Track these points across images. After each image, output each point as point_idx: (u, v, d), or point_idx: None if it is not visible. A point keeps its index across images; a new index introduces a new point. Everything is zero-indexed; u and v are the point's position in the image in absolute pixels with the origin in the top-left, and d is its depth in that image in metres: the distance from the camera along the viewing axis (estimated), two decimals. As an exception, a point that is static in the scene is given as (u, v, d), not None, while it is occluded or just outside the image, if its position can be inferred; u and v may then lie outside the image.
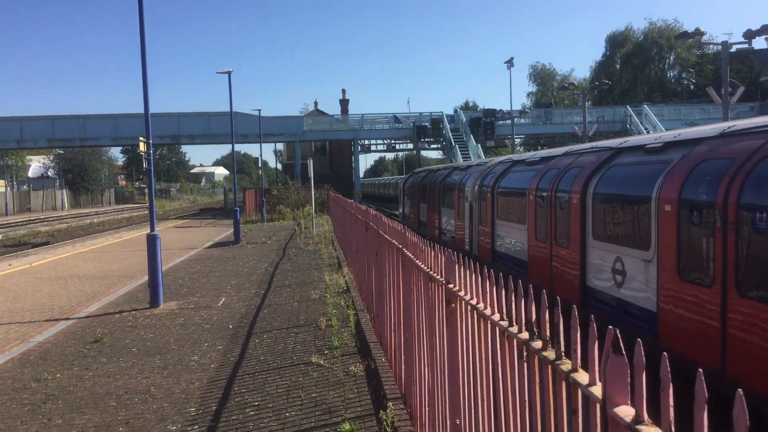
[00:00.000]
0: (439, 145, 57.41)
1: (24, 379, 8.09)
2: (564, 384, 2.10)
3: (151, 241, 12.70)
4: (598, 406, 1.82)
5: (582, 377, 1.98)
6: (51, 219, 52.28)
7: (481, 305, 3.22)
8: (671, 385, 1.44)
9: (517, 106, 71.26)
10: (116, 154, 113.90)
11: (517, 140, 57.82)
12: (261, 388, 7.39)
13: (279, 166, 73.52)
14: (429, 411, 4.92)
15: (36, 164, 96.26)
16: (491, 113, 53.03)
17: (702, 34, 23.34)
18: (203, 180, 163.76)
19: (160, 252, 12.88)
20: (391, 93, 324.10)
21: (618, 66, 79.34)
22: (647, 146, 7.96)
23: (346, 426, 5.98)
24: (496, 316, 2.97)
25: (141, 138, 12.80)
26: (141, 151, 12.88)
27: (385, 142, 59.33)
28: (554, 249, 10.01)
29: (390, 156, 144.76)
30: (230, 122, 29.62)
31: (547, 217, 10.32)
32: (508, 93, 77.08)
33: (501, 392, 2.91)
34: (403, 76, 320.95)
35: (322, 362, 8.19)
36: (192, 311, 12.03)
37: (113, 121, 52.06)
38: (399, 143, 60.71)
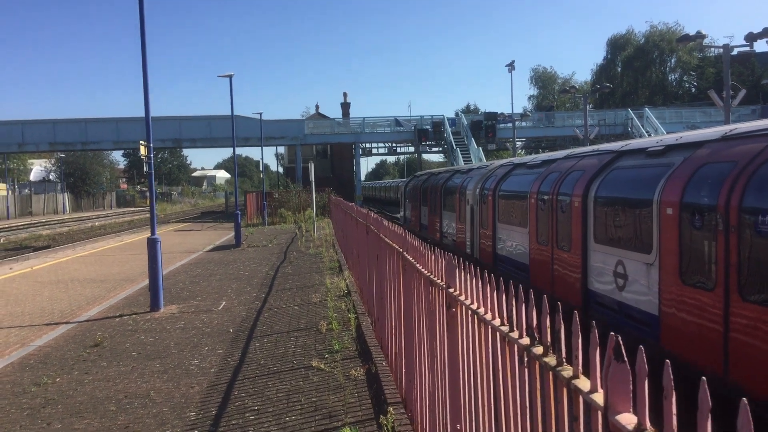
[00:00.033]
0: (441, 149, 57.39)
1: (23, 383, 8.06)
2: (565, 390, 2.08)
3: (152, 244, 12.68)
4: (599, 413, 1.79)
5: (583, 384, 1.95)
6: (52, 222, 52.32)
7: (481, 310, 3.19)
8: (674, 393, 1.41)
9: (518, 109, 71.18)
10: (118, 157, 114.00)
11: (519, 143, 57.83)
12: (261, 392, 7.36)
13: (280, 170, 73.54)
14: (430, 415, 4.89)
15: (38, 168, 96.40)
16: (492, 116, 53.05)
17: (703, 37, 23.34)
18: (205, 183, 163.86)
19: (161, 255, 12.86)
20: (392, 96, 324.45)
21: (619, 69, 79.37)
22: (649, 149, 7.93)
23: (347, 431, 5.95)
24: (497, 321, 2.94)
25: (142, 141, 12.78)
26: (142, 155, 12.86)
27: (387, 145, 59.35)
28: (556, 252, 9.98)
29: (391, 159, 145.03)
30: (231, 126, 29.62)
31: (549, 221, 10.29)
32: (510, 96, 77.07)
33: (502, 397, 2.89)
34: (405, 79, 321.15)
35: (322, 366, 8.16)
36: (192, 315, 12.00)
37: (115, 124, 52.13)
38: (400, 146, 60.74)
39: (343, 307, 11.81)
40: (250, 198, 46.00)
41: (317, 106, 66.72)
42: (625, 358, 1.64)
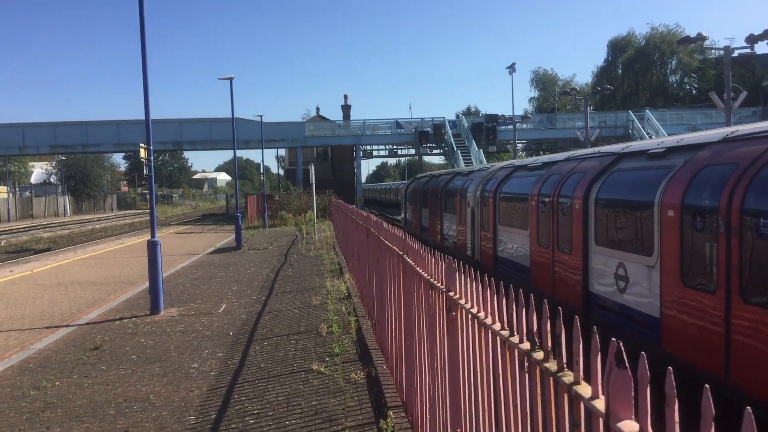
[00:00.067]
0: (441, 151, 57.40)
1: (23, 386, 8.04)
2: (566, 396, 2.05)
3: (152, 247, 12.66)
4: (601, 420, 1.76)
5: (584, 390, 1.92)
6: (53, 225, 52.32)
7: (481, 314, 3.17)
8: (677, 401, 1.39)
9: (519, 112, 71.21)
10: (118, 160, 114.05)
11: (519, 145, 57.82)
12: (261, 396, 7.33)
13: (281, 172, 73.56)
14: (430, 419, 4.86)
15: (38, 170, 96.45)
16: (493, 118, 53.06)
17: (704, 38, 23.33)
18: (205, 186, 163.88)
19: (161, 258, 12.85)
20: (393, 98, 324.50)
21: (620, 71, 79.41)
22: (650, 151, 7.91)
23: (347, 434, 5.92)
24: (497, 326, 2.91)
25: (142, 144, 12.77)
26: (142, 158, 12.85)
27: (387, 147, 59.38)
28: (557, 254, 9.95)
29: (392, 161, 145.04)
30: (232, 128, 29.63)
31: (550, 223, 10.27)
32: (510, 98, 77.16)
33: (502, 402, 2.86)
34: (405, 81, 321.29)
35: (322, 369, 8.14)
36: (192, 318, 11.98)
37: (115, 127, 52.18)
38: (401, 149, 60.77)
39: (344, 309, 11.79)
40: (251, 200, 45.98)
41: (318, 109, 66.96)
42: (627, 365, 1.62)
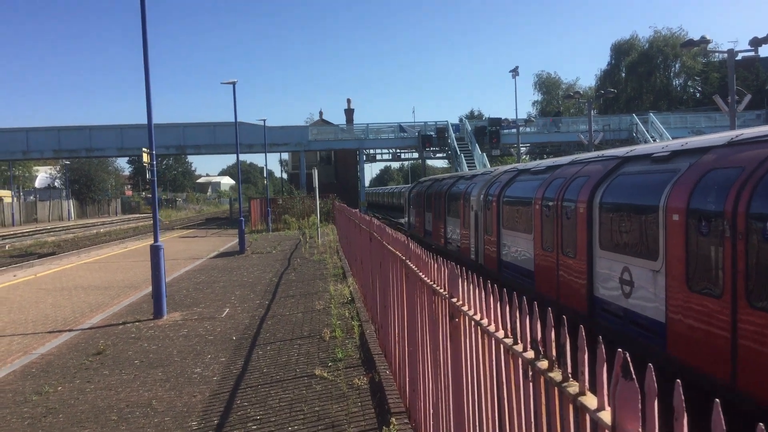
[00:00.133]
0: (445, 154, 57.36)
1: (25, 391, 8.02)
2: (571, 407, 2.01)
3: (155, 251, 12.65)
4: (607, 432, 1.72)
5: (590, 401, 1.88)
6: (57, 229, 52.41)
7: (485, 321, 3.13)
8: (685, 415, 1.35)
9: (522, 115, 71.25)
10: (122, 164, 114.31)
11: (523, 149, 57.72)
12: (264, 401, 7.29)
13: (284, 176, 73.59)
14: (433, 426, 4.82)
15: (43, 175, 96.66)
16: (496, 122, 53.01)
17: (708, 42, 23.26)
18: (209, 190, 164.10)
19: (164, 262, 12.83)
20: (396, 102, 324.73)
21: (623, 74, 79.30)
22: (654, 155, 7.87)
23: (350, 441, 5.88)
24: (501, 333, 2.87)
25: (144, 149, 12.77)
26: (145, 162, 12.84)
27: (391, 151, 59.31)
28: (561, 258, 9.90)
29: (395, 165, 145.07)
30: (235, 132, 29.65)
31: (554, 227, 10.23)
32: (514, 102, 77.04)
33: (506, 411, 2.82)
34: (408, 85, 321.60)
35: (325, 375, 8.10)
36: (195, 322, 11.95)
37: (119, 131, 52.26)
38: (404, 152, 60.66)
39: (347, 314, 11.75)
40: (255, 204, 45.98)
41: (321, 113, 66.90)
42: (634, 376, 1.58)
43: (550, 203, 10.40)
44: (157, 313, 12.46)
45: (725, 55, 23.60)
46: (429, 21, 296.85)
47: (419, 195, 26.58)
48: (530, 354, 2.47)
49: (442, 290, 4.20)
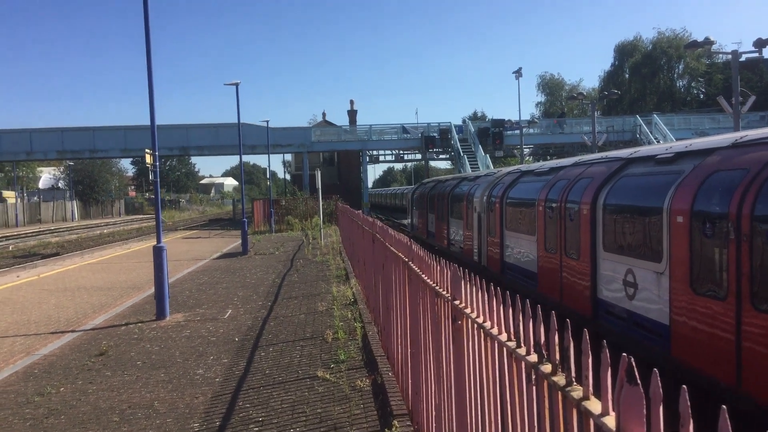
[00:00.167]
0: (448, 156, 57.34)
1: (27, 393, 8.01)
2: (575, 412, 1.99)
3: (158, 252, 12.64)
4: (611, 437, 1.70)
5: (594, 406, 1.86)
6: (61, 230, 52.51)
7: (487, 324, 3.10)
8: (691, 421, 1.33)
9: (525, 116, 71.18)
10: (126, 165, 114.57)
11: (526, 150, 57.66)
12: (266, 403, 7.27)
13: (287, 177, 73.66)
14: (436, 429, 4.80)
15: (46, 176, 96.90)
16: (500, 123, 52.94)
17: (711, 43, 23.20)
18: (213, 191, 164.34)
19: (167, 263, 12.82)
20: (399, 104, 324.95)
21: (627, 76, 79.18)
22: (658, 156, 7.84)
23: (352, 443, 5.85)
24: (504, 336, 2.85)
25: (147, 150, 12.77)
26: (148, 163, 12.84)
27: (394, 152, 59.29)
28: (564, 260, 9.87)
29: (398, 166, 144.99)
30: (238, 133, 29.67)
31: (557, 228, 10.20)
32: (517, 103, 77.00)
33: (509, 415, 2.80)
34: (412, 86, 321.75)
35: (328, 376, 8.07)
36: (198, 323, 11.94)
37: (122, 132, 52.32)
38: (407, 154, 60.66)
39: (350, 315, 11.73)
40: (258, 205, 46.00)
41: (324, 114, 66.80)
42: (639, 381, 1.55)
43: (554, 205, 10.37)
44: (160, 314, 12.45)
45: (729, 56, 23.53)
46: (432, 22, 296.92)
47: (422, 196, 26.56)
48: (533, 357, 2.44)
49: (444, 292, 4.17)
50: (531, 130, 54.57)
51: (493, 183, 15.17)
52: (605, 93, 41.10)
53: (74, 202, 78.13)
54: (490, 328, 3.03)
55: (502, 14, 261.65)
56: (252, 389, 7.81)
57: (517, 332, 2.67)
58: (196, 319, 12.32)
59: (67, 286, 17.53)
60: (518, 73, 49.69)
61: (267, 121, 42.93)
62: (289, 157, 69.80)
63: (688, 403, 1.34)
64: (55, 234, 48.33)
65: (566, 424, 2.09)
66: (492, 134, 52.40)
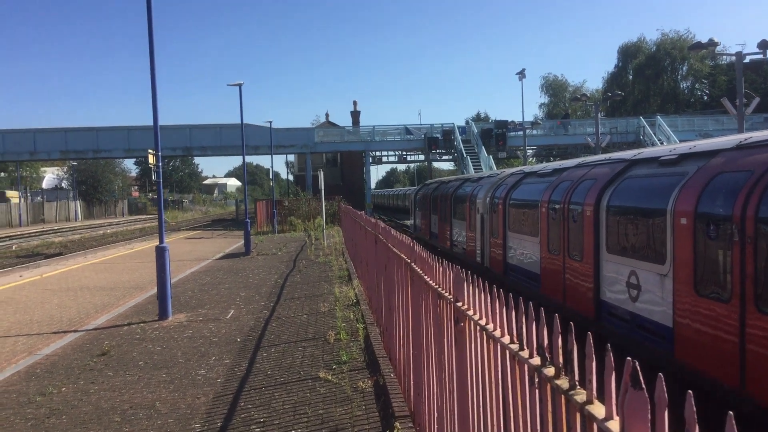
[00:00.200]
0: (451, 157, 57.28)
1: (29, 392, 8.01)
2: (578, 416, 1.96)
3: (160, 253, 12.64)
4: (615, 442, 1.68)
5: (598, 410, 1.83)
6: (64, 230, 52.60)
7: (490, 326, 3.08)
8: (697, 427, 1.30)
9: (529, 117, 71.13)
10: (129, 165, 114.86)
11: (529, 151, 57.63)
12: (267, 403, 7.26)
13: (290, 178, 73.68)
14: (438, 431, 4.77)
15: (50, 175, 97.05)
16: (503, 124, 52.93)
17: (716, 44, 23.14)
18: (216, 191, 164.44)
19: (169, 264, 12.82)
20: (402, 104, 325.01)
21: (631, 77, 79.10)
22: (662, 158, 7.81)
23: (353, 445, 5.83)
24: (506, 339, 2.83)
25: (150, 150, 12.77)
26: (150, 164, 12.85)
27: (397, 153, 59.31)
28: (567, 262, 9.84)
29: (401, 167, 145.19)
30: (241, 134, 29.69)
31: (560, 230, 10.17)
32: (520, 104, 77.03)
33: (512, 418, 2.77)
34: (415, 87, 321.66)
35: (329, 377, 8.06)
36: (200, 324, 11.93)
37: (126, 133, 52.40)
38: (410, 155, 60.67)
39: (352, 316, 11.71)
40: (260, 206, 46.03)
41: (327, 115, 66.94)
42: (643, 386, 1.53)
43: (557, 206, 10.34)
44: (162, 315, 12.45)
45: (733, 57, 23.48)
46: (435, 24, 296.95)
47: (425, 197, 26.54)
48: (537, 360, 2.42)
49: (447, 294, 4.15)
50: (534, 132, 54.53)
51: (496, 184, 15.14)
52: (609, 94, 41.01)
53: (77, 202, 78.28)
54: (493, 331, 3.01)
55: (505, 15, 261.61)
56: (254, 390, 7.80)
57: (519, 335, 2.64)
58: (199, 320, 12.32)
59: (69, 286, 17.55)
60: (521, 74, 49.73)
61: (270, 122, 42.99)
62: (292, 157, 69.77)
63: (694, 409, 1.32)
64: (58, 234, 48.42)
65: (569, 428, 2.06)
66: (495, 135, 52.39)
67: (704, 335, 6.18)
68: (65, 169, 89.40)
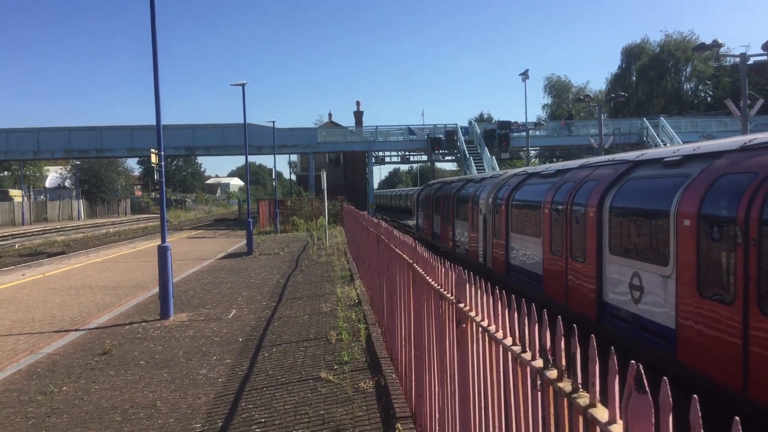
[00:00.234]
0: (454, 157, 57.28)
1: (30, 391, 8.00)
2: (581, 419, 1.94)
3: (162, 252, 12.64)
4: (618, 446, 1.65)
5: (601, 414, 1.81)
6: (67, 229, 52.67)
7: (492, 328, 3.06)
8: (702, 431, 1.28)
9: (532, 118, 70.96)
10: (132, 164, 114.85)
11: (532, 152, 57.56)
12: (268, 404, 7.24)
13: (293, 178, 73.68)
14: (439, 432, 4.75)
15: (53, 174, 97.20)
16: (506, 125, 52.88)
17: (719, 46, 23.10)
18: (218, 191, 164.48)
19: (171, 263, 12.81)
20: (405, 105, 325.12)
21: (634, 78, 79.02)
22: (665, 159, 7.78)
23: (355, 446, 5.81)
24: (509, 341, 2.81)
25: (153, 150, 12.77)
26: (153, 163, 12.85)
27: (400, 153, 59.31)
28: (570, 263, 9.81)
29: (404, 168, 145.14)
30: (244, 134, 29.69)
31: (563, 231, 10.14)
32: (523, 105, 77.00)
33: (514, 421, 2.75)
34: (418, 88, 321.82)
35: (331, 378, 8.04)
36: (202, 323, 11.93)
37: (129, 132, 52.47)
38: (413, 155, 60.66)
39: (354, 317, 11.69)
40: (263, 206, 46.02)
41: (330, 115, 66.98)
42: (647, 389, 1.51)
43: (560, 207, 10.31)
44: (164, 314, 12.44)
45: (737, 59, 23.45)
46: (438, 24, 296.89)
47: (428, 198, 26.52)
48: (539, 363, 2.40)
49: (449, 295, 4.13)
50: (537, 132, 54.50)
51: (499, 185, 15.11)
52: (612, 95, 40.95)
53: (80, 201, 78.37)
54: (495, 332, 2.99)
55: (508, 16, 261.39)
56: (255, 390, 7.78)
57: (522, 336, 2.62)
58: (200, 319, 12.31)
59: (72, 284, 17.55)
60: (525, 75, 49.64)
61: (273, 122, 43.05)
62: (294, 157, 69.84)
63: (699, 414, 1.30)
64: (61, 233, 48.48)
65: (572, 431, 2.04)
66: (498, 136, 52.36)
67: (707, 337, 6.15)
68: (68, 168, 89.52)
